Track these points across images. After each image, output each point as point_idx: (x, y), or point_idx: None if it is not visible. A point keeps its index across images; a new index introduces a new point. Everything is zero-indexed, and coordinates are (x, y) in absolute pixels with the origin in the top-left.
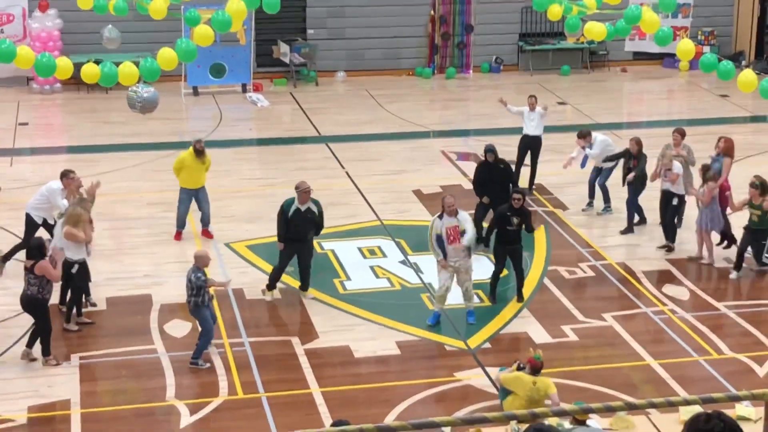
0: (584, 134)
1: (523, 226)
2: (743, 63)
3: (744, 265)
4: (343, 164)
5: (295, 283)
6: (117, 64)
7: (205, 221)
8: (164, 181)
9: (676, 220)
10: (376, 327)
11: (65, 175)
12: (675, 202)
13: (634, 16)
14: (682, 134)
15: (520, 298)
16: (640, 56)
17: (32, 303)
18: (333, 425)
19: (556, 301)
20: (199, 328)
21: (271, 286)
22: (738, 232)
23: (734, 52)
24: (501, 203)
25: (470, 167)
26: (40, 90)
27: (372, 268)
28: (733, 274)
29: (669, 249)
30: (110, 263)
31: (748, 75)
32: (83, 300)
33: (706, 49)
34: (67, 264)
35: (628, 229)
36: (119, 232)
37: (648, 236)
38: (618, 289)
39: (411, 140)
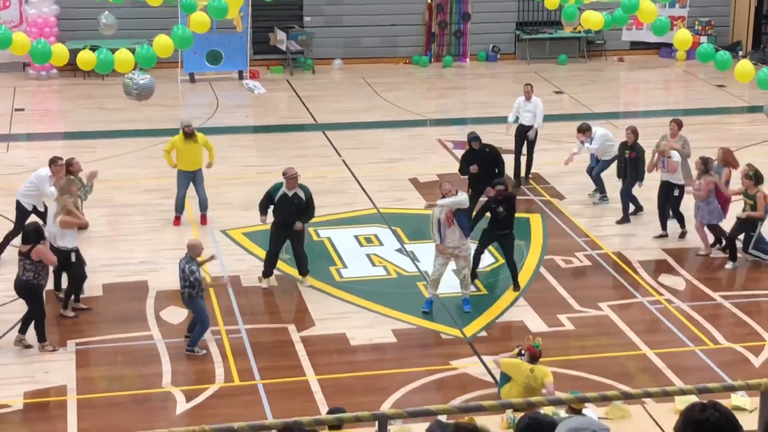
0: (584, 129)
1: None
2: (740, 53)
3: (739, 255)
4: (339, 152)
5: (292, 271)
6: (113, 51)
7: (201, 206)
8: (161, 168)
9: (671, 211)
10: (372, 315)
11: (53, 162)
12: (676, 192)
13: (631, 5)
14: (679, 125)
15: (516, 287)
16: (637, 46)
17: (27, 288)
18: (329, 413)
19: (552, 290)
20: (197, 318)
21: (267, 273)
22: (730, 223)
23: (731, 42)
24: (485, 188)
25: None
26: (36, 76)
27: (368, 256)
28: (729, 265)
29: (678, 235)
30: (106, 250)
31: (745, 65)
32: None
33: (703, 39)
34: (64, 252)
35: (624, 219)
36: (116, 219)
37: (644, 226)
38: (614, 278)
39: (408, 128)
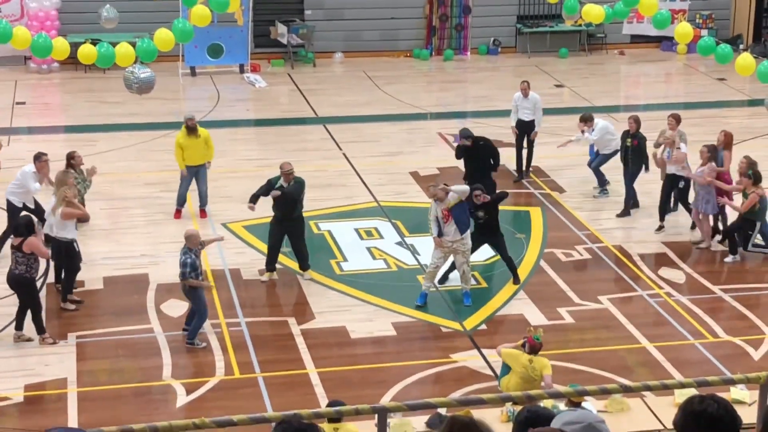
0: (586, 118)
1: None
2: (741, 46)
3: (739, 248)
4: (340, 145)
5: (293, 264)
6: (114, 45)
7: (202, 201)
8: (161, 161)
9: (678, 204)
10: (372, 308)
11: (38, 158)
12: (682, 184)
13: None
14: (678, 119)
15: (516, 280)
16: (637, 39)
17: (20, 282)
18: (328, 406)
19: (552, 283)
20: (195, 309)
21: (269, 268)
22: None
23: (732, 35)
24: (488, 180)
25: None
26: (37, 69)
27: (369, 249)
28: (729, 258)
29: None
30: (107, 243)
31: (745, 58)
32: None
33: (704, 32)
34: (64, 243)
35: (625, 212)
36: (116, 212)
37: (645, 219)
38: (614, 271)
39: (408, 122)
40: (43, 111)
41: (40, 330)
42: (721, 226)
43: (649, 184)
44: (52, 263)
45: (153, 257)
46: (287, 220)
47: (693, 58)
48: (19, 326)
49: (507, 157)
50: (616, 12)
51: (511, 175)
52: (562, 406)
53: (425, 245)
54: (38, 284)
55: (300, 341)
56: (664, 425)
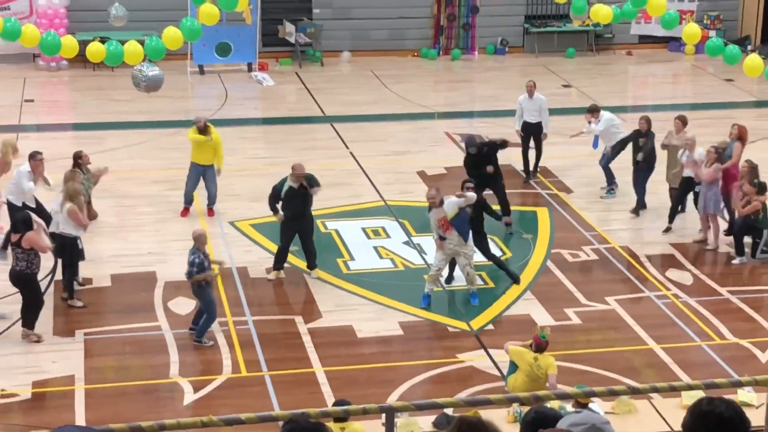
0: (593, 109)
1: (492, 216)
2: (749, 47)
3: (746, 250)
4: (347, 144)
5: (300, 263)
6: (122, 43)
7: (210, 201)
8: (169, 159)
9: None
10: (379, 307)
11: (33, 157)
12: (698, 189)
13: None
14: (684, 122)
15: (514, 280)
16: (645, 39)
17: (21, 278)
18: (334, 405)
19: (559, 284)
20: (204, 308)
21: (277, 267)
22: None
23: (740, 36)
24: (490, 182)
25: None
26: (46, 67)
27: (376, 248)
28: (737, 260)
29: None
30: (115, 240)
31: (754, 59)
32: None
33: (712, 33)
34: (65, 240)
35: (638, 209)
36: (124, 210)
37: (652, 221)
38: (621, 272)
39: (415, 121)
40: (52, 108)
41: (30, 325)
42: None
43: (656, 185)
44: (59, 261)
45: (160, 255)
46: (300, 219)
47: (701, 59)
48: (25, 324)
49: (514, 159)
50: (624, 12)
51: (519, 176)
52: (568, 407)
53: (432, 245)
54: (47, 281)
55: (307, 340)
56: (671, 427)
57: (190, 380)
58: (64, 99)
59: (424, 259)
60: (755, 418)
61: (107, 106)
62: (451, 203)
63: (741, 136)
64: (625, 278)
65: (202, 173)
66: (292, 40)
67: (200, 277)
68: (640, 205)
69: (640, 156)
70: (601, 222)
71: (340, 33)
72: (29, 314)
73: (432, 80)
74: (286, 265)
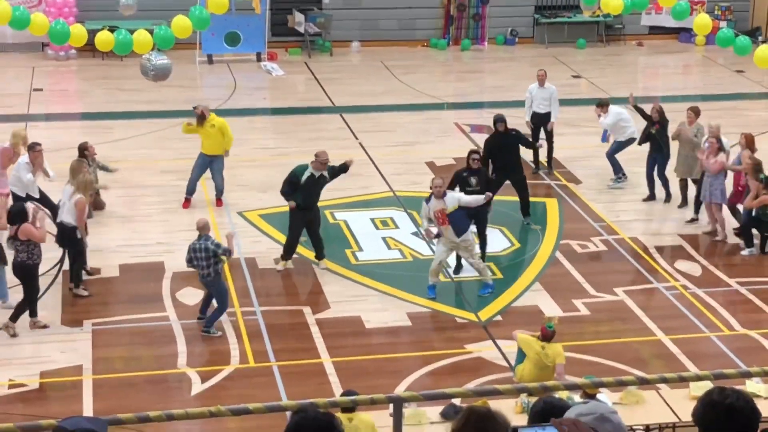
0: (602, 104)
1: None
2: (760, 38)
3: (755, 241)
4: (356, 135)
5: (308, 253)
6: (131, 32)
7: (217, 190)
8: (178, 150)
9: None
10: (387, 298)
11: (31, 148)
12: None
13: None
14: (697, 112)
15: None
16: (656, 30)
17: (23, 269)
18: (342, 396)
19: (567, 275)
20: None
21: (285, 257)
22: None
23: (751, 27)
24: (516, 172)
25: (483, 139)
26: (54, 56)
27: (384, 239)
28: (746, 251)
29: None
30: (123, 231)
31: (764, 50)
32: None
33: (723, 24)
34: (69, 229)
35: (683, 203)
36: (132, 200)
37: (661, 212)
38: (630, 263)
39: (425, 112)
40: (61, 98)
41: (15, 318)
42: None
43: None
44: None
45: (169, 245)
46: (309, 210)
47: (711, 50)
48: (33, 314)
49: (524, 150)
50: (634, 3)
51: (528, 167)
52: (576, 397)
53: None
54: (54, 271)
55: (315, 330)
56: (679, 418)
57: (197, 371)
58: (73, 88)
59: (432, 250)
60: (764, 409)
61: (116, 96)
62: (454, 197)
63: (749, 143)
64: (633, 269)
65: (208, 164)
66: (301, 29)
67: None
68: (669, 195)
69: (650, 144)
70: (610, 213)
71: (349, 23)
72: (27, 305)
73: (441, 71)
74: (294, 256)
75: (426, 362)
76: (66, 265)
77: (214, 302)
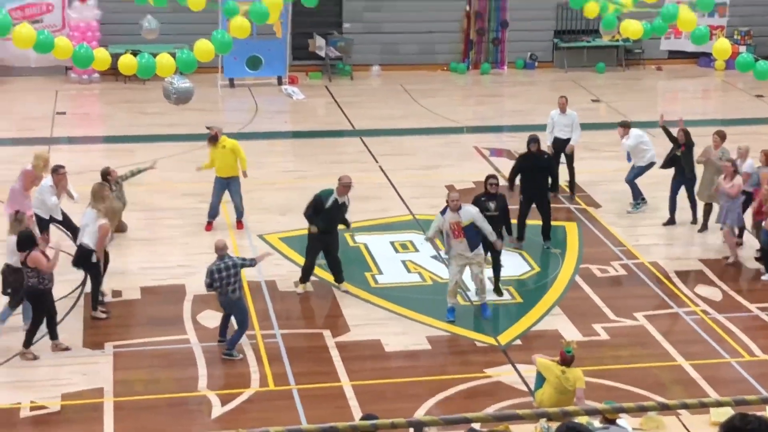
0: (624, 125)
1: (503, 228)
2: None
3: None
4: (376, 158)
5: (328, 276)
6: (154, 56)
7: (237, 214)
8: (200, 172)
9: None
10: (407, 321)
11: (55, 171)
12: (742, 199)
13: (670, 14)
14: (722, 137)
15: (497, 292)
16: (675, 55)
17: (34, 294)
18: (362, 420)
19: (587, 299)
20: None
21: (303, 280)
22: None
23: None
24: (542, 194)
25: (503, 163)
26: (78, 80)
27: (404, 262)
28: (766, 276)
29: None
30: (144, 253)
31: None
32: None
33: (743, 48)
34: (88, 252)
35: (704, 227)
36: (154, 222)
37: (681, 236)
38: (650, 288)
39: (444, 135)
40: (83, 121)
41: (27, 344)
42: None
43: (684, 200)
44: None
45: (190, 268)
46: (329, 234)
47: (731, 75)
48: (53, 336)
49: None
50: (654, 27)
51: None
52: (596, 423)
53: None
54: (77, 294)
55: (335, 354)
56: None
57: (218, 393)
58: (96, 111)
59: None
60: None
61: (138, 119)
62: (470, 212)
63: None
64: (653, 294)
65: (225, 186)
66: (322, 53)
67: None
68: (700, 218)
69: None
70: (629, 237)
71: (370, 47)
72: (30, 332)
73: (461, 94)
74: (314, 278)
75: (445, 386)
76: (87, 288)
77: (234, 323)
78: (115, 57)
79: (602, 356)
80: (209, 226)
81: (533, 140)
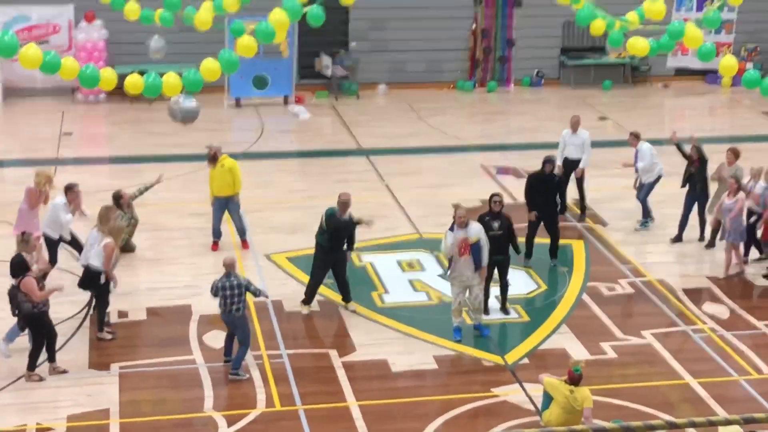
0: (637, 135)
1: (510, 245)
2: None
3: None
4: (383, 177)
5: (335, 296)
6: (161, 75)
7: (239, 232)
8: (205, 192)
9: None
10: (413, 341)
11: (70, 189)
12: (753, 219)
13: (677, 31)
14: (736, 154)
15: (504, 311)
16: (682, 72)
17: (30, 317)
18: None
19: (595, 317)
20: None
21: (307, 301)
22: None
23: None
24: (552, 213)
25: (510, 182)
26: (84, 100)
27: (410, 281)
28: None
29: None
30: (151, 273)
31: None
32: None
33: (750, 65)
34: (94, 273)
35: (708, 239)
36: (161, 242)
37: (688, 253)
38: (657, 306)
39: (451, 154)
40: (90, 141)
41: (32, 366)
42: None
43: (693, 217)
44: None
45: (196, 288)
46: (336, 252)
47: (738, 92)
48: (51, 359)
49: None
50: (660, 45)
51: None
52: None
53: None
54: (83, 314)
55: (341, 374)
56: None
57: (224, 414)
58: (102, 132)
59: None
60: None
61: (144, 139)
62: (477, 229)
63: None
64: (661, 312)
65: (225, 206)
66: (328, 73)
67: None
68: (707, 236)
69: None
70: (637, 255)
71: (376, 65)
72: (33, 355)
73: (468, 112)
74: (320, 298)
75: (452, 406)
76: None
77: (236, 343)
78: (122, 77)
79: (610, 375)
80: (215, 246)
81: (548, 161)
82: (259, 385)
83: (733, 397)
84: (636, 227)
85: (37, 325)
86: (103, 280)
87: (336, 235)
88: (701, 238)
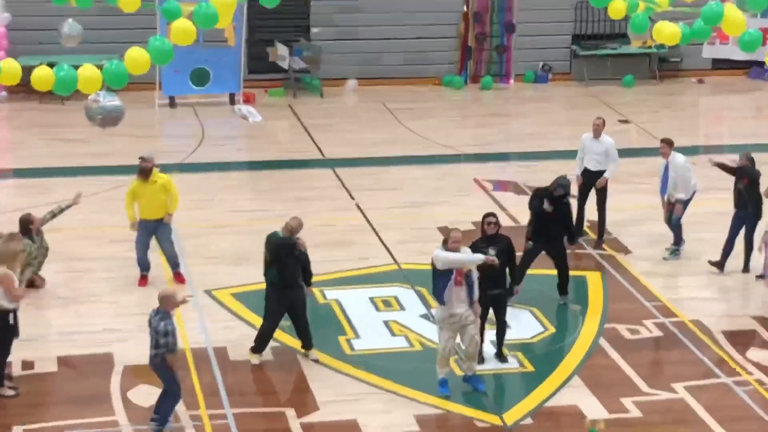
0: (669, 141)
1: (507, 270)
2: None
3: None
4: (352, 194)
5: (292, 341)
6: (76, 68)
7: (171, 263)
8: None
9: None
10: (390, 397)
11: None
12: None
13: (714, 14)
14: None
15: (501, 358)
16: (720, 64)
17: None
18: None
19: (614, 367)
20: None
21: (258, 349)
22: None
23: None
24: (558, 242)
25: (509, 199)
26: None
27: (386, 323)
28: None
29: None
30: (63, 314)
31: None
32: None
33: None
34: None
35: (748, 267)
36: (75, 276)
37: (731, 287)
38: (692, 353)
39: (437, 165)
40: None
41: None
42: None
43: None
44: None
45: (119, 332)
46: (290, 289)
47: None
48: None
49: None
50: (694, 31)
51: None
52: None
53: None
54: None
55: None
56: None
57: None
58: (3, 138)
59: None
60: None
61: (56, 148)
62: (471, 255)
63: None
64: (696, 360)
65: (152, 231)
66: (285, 65)
67: (172, 361)
68: (748, 263)
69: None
70: (666, 289)
71: (344, 57)
72: None
73: (458, 114)
74: (274, 344)
75: None
76: None
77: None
78: (28, 70)
79: None
80: (143, 281)
81: (561, 186)
82: None
83: None
84: (665, 255)
85: None
86: (12, 321)
87: (281, 265)
88: (746, 268)
